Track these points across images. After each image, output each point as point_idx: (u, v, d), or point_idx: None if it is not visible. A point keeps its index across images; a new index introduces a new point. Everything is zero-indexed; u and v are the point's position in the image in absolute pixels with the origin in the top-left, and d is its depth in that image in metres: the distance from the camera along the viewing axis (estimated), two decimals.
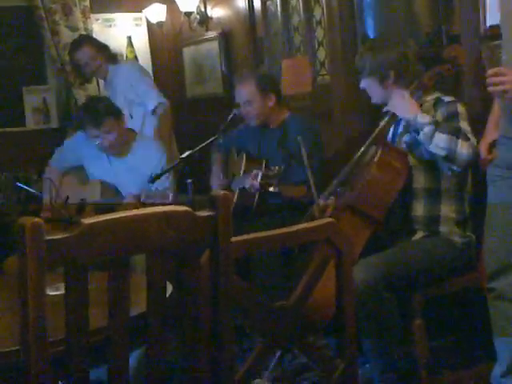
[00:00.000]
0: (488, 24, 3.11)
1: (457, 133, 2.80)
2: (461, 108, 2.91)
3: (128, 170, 3.89)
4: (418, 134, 2.85)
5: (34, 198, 4.16)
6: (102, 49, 4.74)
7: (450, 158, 2.80)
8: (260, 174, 3.34)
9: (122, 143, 3.89)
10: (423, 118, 2.84)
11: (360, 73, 3.14)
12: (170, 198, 3.25)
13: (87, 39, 4.87)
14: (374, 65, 3.04)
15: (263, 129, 3.84)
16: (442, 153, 2.79)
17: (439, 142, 2.79)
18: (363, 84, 3.13)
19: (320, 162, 3.63)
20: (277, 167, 3.32)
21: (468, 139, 2.78)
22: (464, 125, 2.85)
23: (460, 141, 2.77)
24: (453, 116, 2.89)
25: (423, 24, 3.73)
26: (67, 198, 3.82)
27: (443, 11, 3.55)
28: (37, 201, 4.12)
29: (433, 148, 2.81)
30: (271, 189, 3.37)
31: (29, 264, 1.38)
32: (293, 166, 3.60)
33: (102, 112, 3.78)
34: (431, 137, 2.80)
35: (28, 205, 4.21)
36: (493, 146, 2.51)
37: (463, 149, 2.77)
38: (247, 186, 3.55)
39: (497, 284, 2.37)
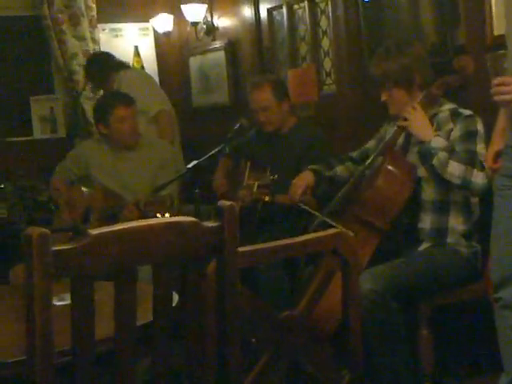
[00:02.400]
0: (495, 34, 3.11)
1: (472, 161, 2.77)
2: (480, 126, 2.86)
3: (133, 174, 3.91)
4: (428, 158, 2.81)
5: (41, 208, 4.17)
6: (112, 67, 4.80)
7: (464, 186, 2.79)
8: (256, 185, 3.33)
9: (135, 140, 3.93)
10: (437, 143, 2.81)
11: (379, 82, 3.01)
12: (169, 203, 3.23)
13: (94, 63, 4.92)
14: (398, 71, 2.93)
15: (272, 136, 3.84)
16: (457, 181, 2.78)
17: (454, 171, 2.77)
18: (386, 96, 3.00)
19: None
20: (271, 176, 3.31)
21: (483, 168, 2.75)
22: (480, 148, 2.81)
23: (475, 170, 2.76)
24: (471, 136, 2.84)
25: (429, 34, 3.73)
26: (76, 207, 3.84)
27: (449, 21, 3.54)
28: (44, 210, 4.13)
29: (447, 176, 2.79)
30: (266, 198, 3.36)
31: (35, 274, 1.38)
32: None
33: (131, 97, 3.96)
34: (445, 164, 2.78)
35: (35, 214, 4.23)
36: (499, 155, 2.51)
37: (478, 179, 2.75)
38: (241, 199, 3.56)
39: (503, 293, 2.36)
